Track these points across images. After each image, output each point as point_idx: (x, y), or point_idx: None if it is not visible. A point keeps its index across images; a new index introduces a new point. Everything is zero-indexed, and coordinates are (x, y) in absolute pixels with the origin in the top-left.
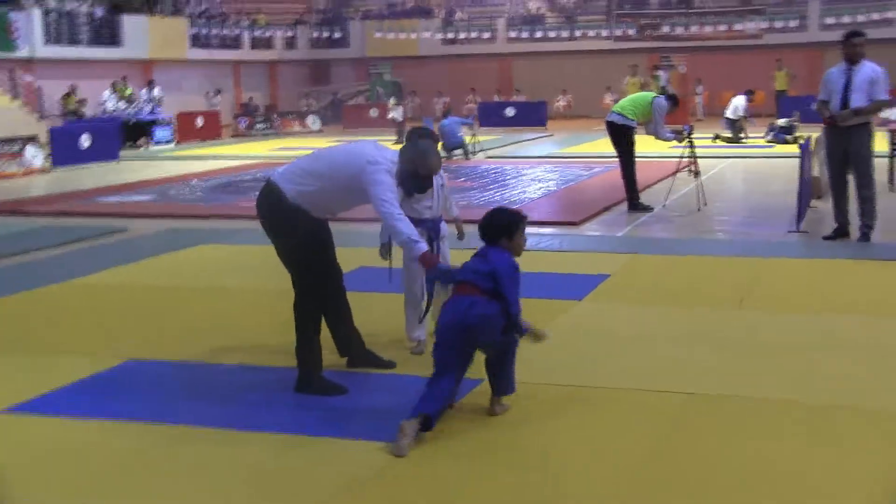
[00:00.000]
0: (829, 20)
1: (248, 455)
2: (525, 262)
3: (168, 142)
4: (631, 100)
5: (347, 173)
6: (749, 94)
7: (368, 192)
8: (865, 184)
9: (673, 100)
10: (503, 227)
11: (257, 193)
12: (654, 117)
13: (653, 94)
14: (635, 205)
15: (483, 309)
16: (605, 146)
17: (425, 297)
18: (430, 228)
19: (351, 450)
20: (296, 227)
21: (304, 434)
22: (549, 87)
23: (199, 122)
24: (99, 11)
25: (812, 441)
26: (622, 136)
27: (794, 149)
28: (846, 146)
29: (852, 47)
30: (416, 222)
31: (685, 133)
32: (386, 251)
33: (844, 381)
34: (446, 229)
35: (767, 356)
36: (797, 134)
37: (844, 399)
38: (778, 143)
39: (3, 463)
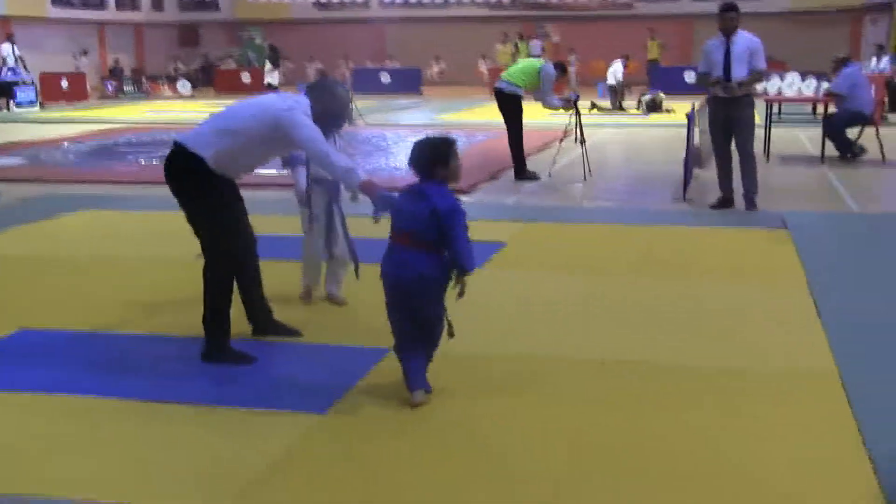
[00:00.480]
0: None
1: (164, 428)
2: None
3: (32, 104)
4: (519, 68)
5: (265, 124)
6: (625, 59)
7: (293, 135)
8: (748, 152)
9: (561, 68)
10: (438, 154)
11: (164, 158)
12: (543, 85)
13: (541, 62)
14: (522, 173)
15: (423, 268)
16: (483, 114)
17: (356, 260)
18: (330, 189)
19: (269, 421)
20: (208, 190)
21: (217, 405)
22: (422, 54)
23: (65, 84)
24: None
25: (722, 406)
26: (510, 104)
27: (668, 118)
28: (730, 115)
29: (726, 21)
30: (316, 181)
31: (573, 101)
32: (307, 199)
33: (742, 345)
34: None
35: (668, 322)
36: (665, 105)
37: (743, 362)
38: (651, 112)
39: None
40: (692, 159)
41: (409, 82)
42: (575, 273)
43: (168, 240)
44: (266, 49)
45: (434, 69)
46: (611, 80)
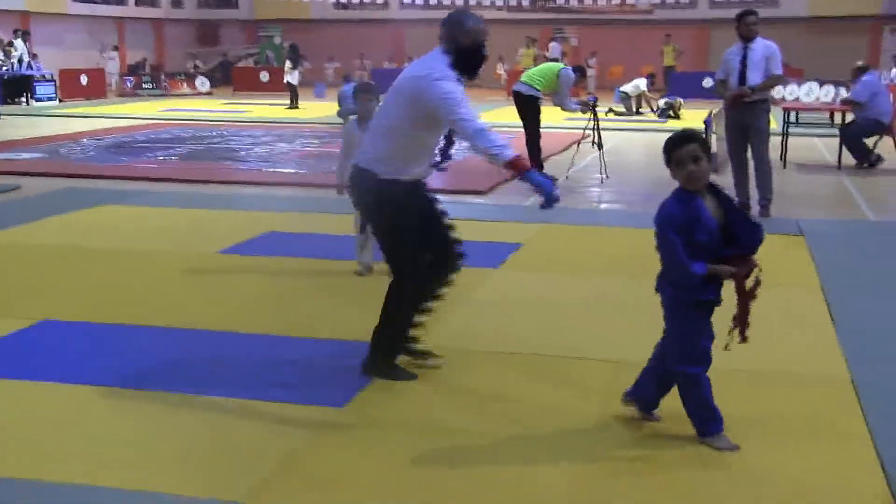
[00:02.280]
0: None
1: (181, 418)
2: None
3: (51, 99)
4: (538, 70)
5: (412, 107)
6: (650, 77)
7: (440, 112)
8: (763, 159)
9: (580, 71)
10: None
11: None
12: (561, 88)
13: (560, 65)
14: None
15: None
16: (500, 116)
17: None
18: None
19: (287, 414)
20: (387, 202)
21: (234, 398)
22: None
23: (84, 80)
24: None
25: (734, 408)
26: (528, 107)
27: (685, 123)
28: (746, 122)
29: (746, 26)
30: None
31: (591, 104)
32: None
33: (754, 348)
34: None
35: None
36: (681, 111)
37: (755, 365)
38: (667, 118)
39: None
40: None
41: None
42: (591, 274)
43: (185, 234)
44: (286, 48)
45: None
46: (628, 88)
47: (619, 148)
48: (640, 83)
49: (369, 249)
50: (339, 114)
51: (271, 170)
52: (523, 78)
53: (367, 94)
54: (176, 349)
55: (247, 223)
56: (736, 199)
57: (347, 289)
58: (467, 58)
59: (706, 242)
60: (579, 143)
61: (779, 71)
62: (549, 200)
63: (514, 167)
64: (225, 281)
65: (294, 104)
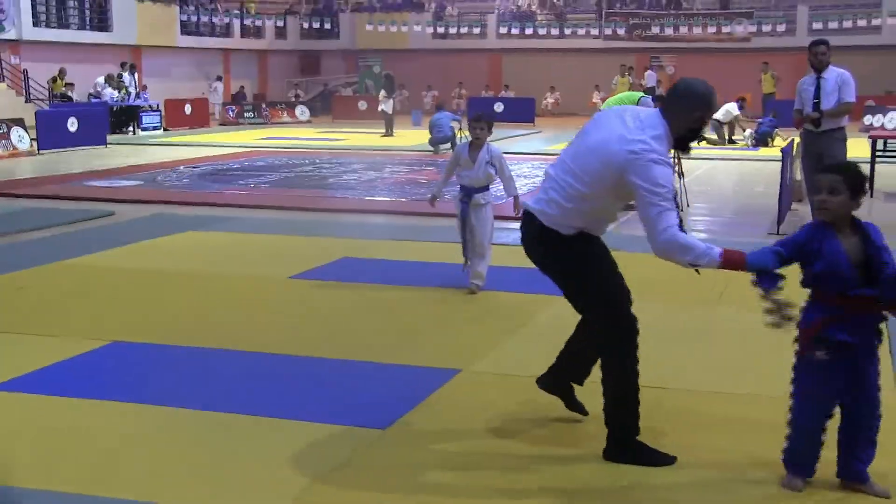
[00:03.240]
0: (817, 25)
1: (230, 437)
2: (506, 257)
3: (156, 128)
4: (618, 99)
5: (612, 179)
6: (741, 101)
7: (638, 201)
8: None
9: (660, 100)
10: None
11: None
12: None
13: (640, 93)
14: None
15: None
16: None
17: None
18: (466, 191)
19: (329, 434)
20: (574, 254)
21: (281, 418)
22: (538, 83)
23: (188, 109)
24: None
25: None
26: None
27: (777, 151)
28: (820, 151)
29: (815, 56)
30: (461, 187)
31: None
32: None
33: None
34: (488, 199)
35: (746, 353)
36: (777, 136)
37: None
38: (761, 145)
39: None
40: (788, 192)
41: (522, 112)
42: (656, 301)
43: (261, 259)
44: (381, 77)
45: (549, 99)
46: (720, 116)
47: (708, 176)
48: (732, 108)
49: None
50: (431, 142)
51: (356, 197)
52: (603, 106)
53: (478, 123)
54: (234, 370)
55: (323, 249)
56: None
57: (407, 313)
58: (691, 137)
59: (822, 274)
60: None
61: (850, 98)
62: (768, 280)
63: (729, 265)
64: (290, 305)
65: (389, 132)
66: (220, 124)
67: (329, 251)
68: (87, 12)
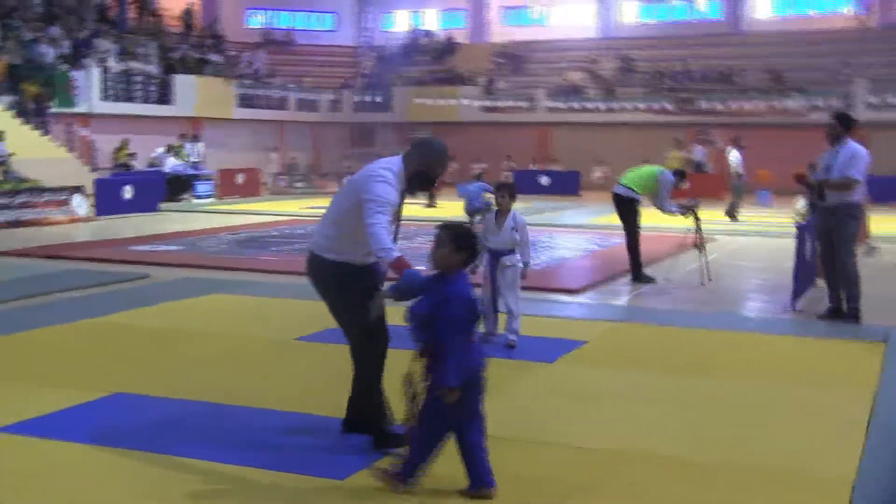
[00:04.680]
0: (874, 100)
1: (201, 484)
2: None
3: (208, 196)
4: (637, 173)
5: (353, 201)
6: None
7: (363, 208)
8: (845, 263)
9: (679, 175)
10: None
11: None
12: (660, 191)
13: (659, 168)
14: (639, 276)
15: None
16: (653, 217)
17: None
18: (493, 255)
19: (285, 483)
20: (340, 284)
21: (240, 465)
22: (586, 157)
23: (240, 178)
24: (153, 70)
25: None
26: (627, 209)
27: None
28: (830, 227)
29: (828, 130)
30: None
31: (692, 208)
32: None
33: (771, 443)
34: (513, 261)
35: (720, 421)
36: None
37: (791, 462)
38: None
39: None
40: (806, 268)
41: (568, 185)
42: (641, 369)
43: (273, 321)
44: None
45: (597, 172)
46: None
47: (743, 250)
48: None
49: (492, 322)
50: (466, 211)
51: None
52: (622, 180)
53: (500, 191)
54: (217, 422)
55: None
56: (828, 304)
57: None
58: (420, 178)
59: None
60: (695, 245)
61: (853, 173)
62: (398, 289)
63: (396, 266)
64: (289, 365)
65: (432, 203)
66: (272, 193)
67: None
68: (152, 87)
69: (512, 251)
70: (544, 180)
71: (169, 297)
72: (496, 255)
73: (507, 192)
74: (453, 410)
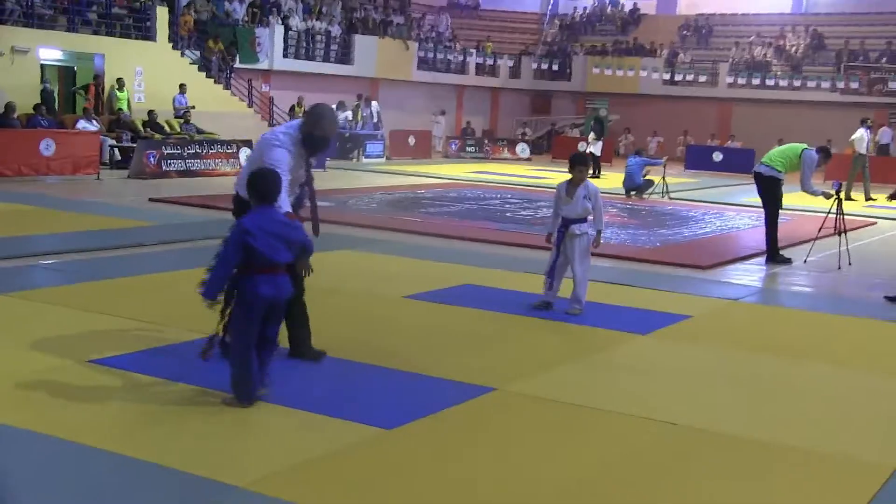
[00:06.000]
0: None
1: (252, 418)
2: (618, 296)
3: (378, 156)
4: (780, 151)
5: (258, 155)
6: None
7: (264, 157)
8: None
9: (825, 153)
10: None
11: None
12: (803, 170)
13: (803, 146)
14: (774, 256)
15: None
16: (801, 198)
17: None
18: (564, 223)
19: (333, 426)
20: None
21: (297, 408)
22: (767, 135)
23: (412, 140)
24: (335, 30)
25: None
26: (768, 188)
27: None
28: None
29: None
30: (561, 218)
31: (834, 191)
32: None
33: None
34: (583, 229)
35: (794, 403)
36: None
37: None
38: None
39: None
40: None
41: (742, 163)
42: (734, 349)
43: (394, 280)
44: (591, 120)
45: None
46: None
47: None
48: None
49: (554, 290)
50: (625, 186)
51: (519, 231)
52: (764, 159)
53: (576, 166)
54: (295, 372)
55: (453, 274)
56: None
57: (481, 335)
58: (311, 140)
59: None
60: (820, 230)
61: None
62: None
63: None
64: (387, 321)
65: (595, 174)
66: (443, 157)
67: (455, 276)
68: (333, 46)
69: (584, 220)
70: (717, 156)
71: None
72: (566, 224)
73: (584, 166)
74: (242, 329)
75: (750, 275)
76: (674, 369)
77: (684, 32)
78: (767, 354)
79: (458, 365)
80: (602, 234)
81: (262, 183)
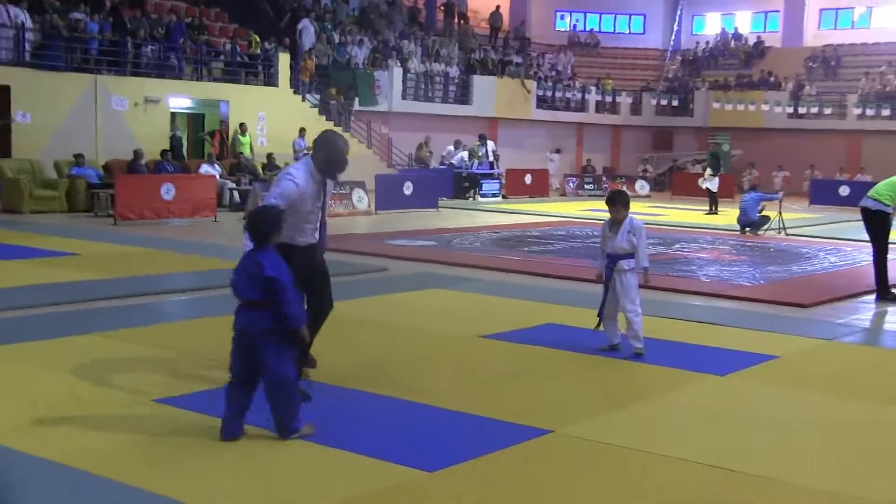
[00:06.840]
0: None
1: (296, 460)
2: (701, 335)
3: (495, 195)
4: (887, 184)
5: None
6: None
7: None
8: None
9: None
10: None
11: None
12: None
13: None
14: (884, 294)
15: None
16: None
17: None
18: (611, 259)
19: (374, 468)
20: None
21: (341, 449)
22: None
23: (528, 179)
24: (453, 71)
25: None
26: (875, 223)
27: None
28: None
29: None
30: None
31: None
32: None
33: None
34: (631, 265)
35: (882, 454)
36: None
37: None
38: None
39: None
40: None
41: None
42: (821, 392)
43: (475, 318)
44: (708, 155)
45: None
46: None
47: None
48: None
49: (612, 331)
50: (739, 221)
51: None
52: (870, 192)
53: (614, 206)
54: (353, 408)
55: (538, 313)
56: None
57: (548, 375)
58: (328, 166)
59: None
60: None
61: None
62: None
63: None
64: (450, 361)
65: (713, 210)
66: (560, 195)
67: (543, 316)
68: (452, 87)
69: (630, 255)
70: (843, 191)
71: (392, 290)
72: (614, 260)
73: (621, 203)
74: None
75: (854, 314)
76: (748, 414)
77: (811, 64)
78: (859, 399)
79: (517, 406)
80: (648, 271)
81: (252, 223)
